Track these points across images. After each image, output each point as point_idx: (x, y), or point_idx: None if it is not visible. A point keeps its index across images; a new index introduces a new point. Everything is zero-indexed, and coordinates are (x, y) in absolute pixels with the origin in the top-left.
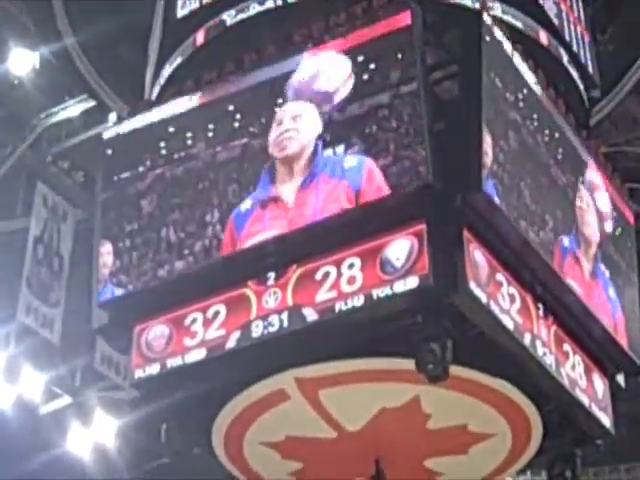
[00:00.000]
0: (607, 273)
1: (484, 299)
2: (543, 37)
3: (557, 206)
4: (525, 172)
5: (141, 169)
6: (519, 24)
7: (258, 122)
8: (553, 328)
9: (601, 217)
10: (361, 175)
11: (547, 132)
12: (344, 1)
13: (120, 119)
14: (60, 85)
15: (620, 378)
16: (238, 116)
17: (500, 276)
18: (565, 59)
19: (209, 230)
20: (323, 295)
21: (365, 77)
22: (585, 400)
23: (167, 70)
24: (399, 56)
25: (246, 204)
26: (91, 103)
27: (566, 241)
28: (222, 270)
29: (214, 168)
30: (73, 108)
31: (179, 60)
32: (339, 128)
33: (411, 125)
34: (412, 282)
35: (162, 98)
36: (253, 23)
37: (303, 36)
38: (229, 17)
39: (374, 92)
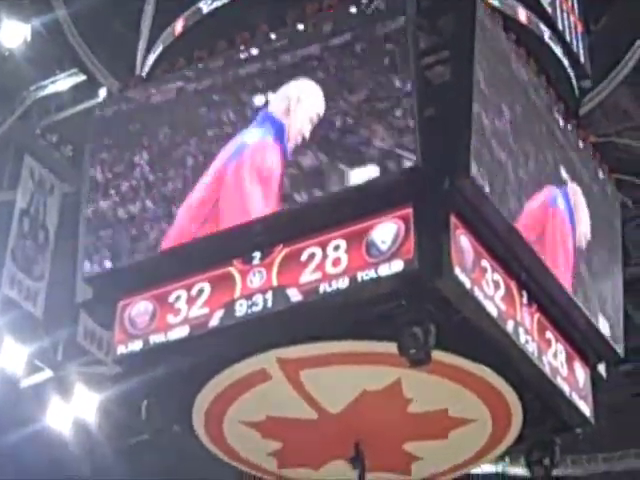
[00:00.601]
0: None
1: (468, 285)
2: (534, 25)
3: None
4: (513, 155)
5: None
6: (511, 12)
7: None
8: (536, 316)
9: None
10: None
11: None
12: None
13: (110, 95)
14: (51, 58)
15: (601, 368)
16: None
17: (485, 262)
18: (557, 48)
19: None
20: (308, 276)
21: None
22: (566, 388)
23: (159, 46)
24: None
25: None
26: (81, 77)
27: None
28: (208, 247)
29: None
30: (63, 82)
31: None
32: None
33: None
34: (397, 266)
35: (153, 74)
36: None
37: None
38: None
39: None
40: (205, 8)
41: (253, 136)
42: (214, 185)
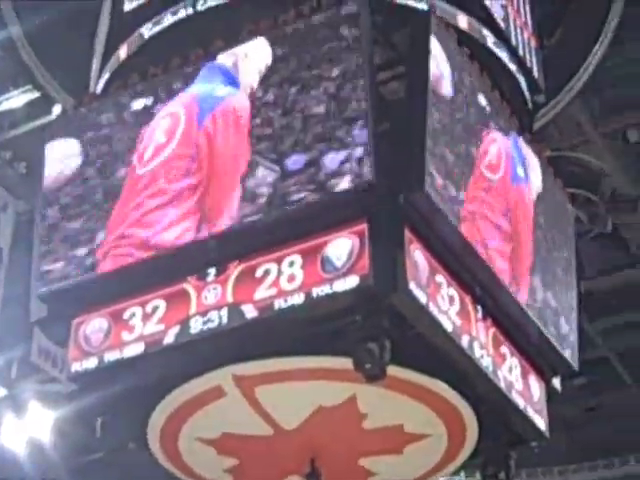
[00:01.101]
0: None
1: (424, 300)
2: (488, 39)
3: None
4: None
5: None
6: (465, 26)
7: None
8: (491, 330)
9: None
10: None
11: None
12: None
13: (64, 112)
14: (4, 75)
15: (556, 381)
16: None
17: (440, 277)
18: (511, 63)
19: None
20: (263, 292)
21: None
22: (521, 403)
23: (113, 63)
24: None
25: None
26: (35, 94)
27: None
28: (162, 264)
29: None
30: (17, 98)
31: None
32: None
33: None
34: (352, 281)
35: (107, 91)
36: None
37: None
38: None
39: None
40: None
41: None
42: None
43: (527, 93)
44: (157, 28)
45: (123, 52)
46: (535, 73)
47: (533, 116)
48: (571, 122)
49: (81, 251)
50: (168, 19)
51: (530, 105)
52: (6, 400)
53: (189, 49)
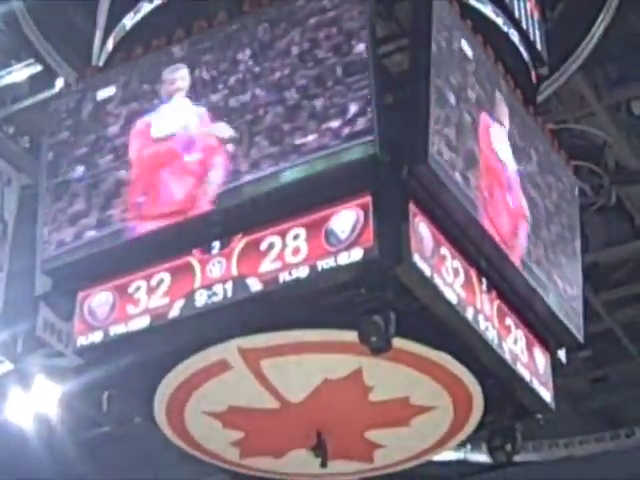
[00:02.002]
0: None
1: (428, 272)
2: (492, 13)
3: None
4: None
5: None
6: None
7: None
8: (496, 302)
9: None
10: None
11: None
12: None
13: (67, 85)
14: (6, 49)
15: (561, 354)
16: None
17: (444, 250)
18: (514, 36)
19: None
20: (267, 265)
21: None
22: (526, 375)
23: (116, 35)
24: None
25: None
26: (38, 68)
27: None
28: (167, 237)
29: None
30: (19, 73)
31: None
32: None
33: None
34: (356, 254)
35: (110, 64)
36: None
37: None
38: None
39: None
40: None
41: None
42: None
43: (530, 66)
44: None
45: (127, 24)
46: (538, 45)
47: (536, 89)
48: (574, 94)
49: (86, 225)
50: None
51: (533, 78)
52: (12, 375)
53: (194, 19)
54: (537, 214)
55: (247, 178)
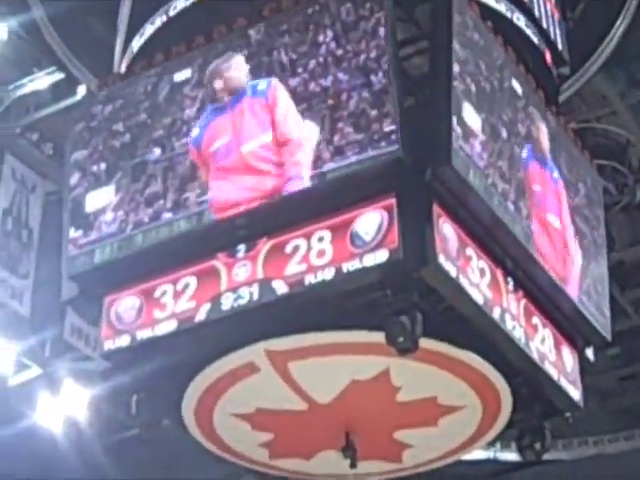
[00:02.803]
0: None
1: (453, 273)
2: (511, 13)
3: None
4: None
5: None
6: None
7: None
8: (523, 302)
9: None
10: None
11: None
12: None
13: (89, 92)
14: (29, 57)
15: (589, 352)
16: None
17: (470, 250)
18: (535, 36)
19: None
20: (293, 268)
21: None
22: (554, 373)
23: (136, 42)
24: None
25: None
26: (60, 75)
27: None
28: (192, 242)
29: None
30: (41, 80)
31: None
32: None
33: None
34: (382, 256)
35: (131, 71)
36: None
37: None
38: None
39: None
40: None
41: None
42: None
43: (552, 66)
44: (181, 5)
45: (147, 31)
46: (559, 45)
47: (558, 89)
48: (596, 94)
49: (111, 229)
50: None
51: (555, 78)
52: (41, 379)
53: (213, 26)
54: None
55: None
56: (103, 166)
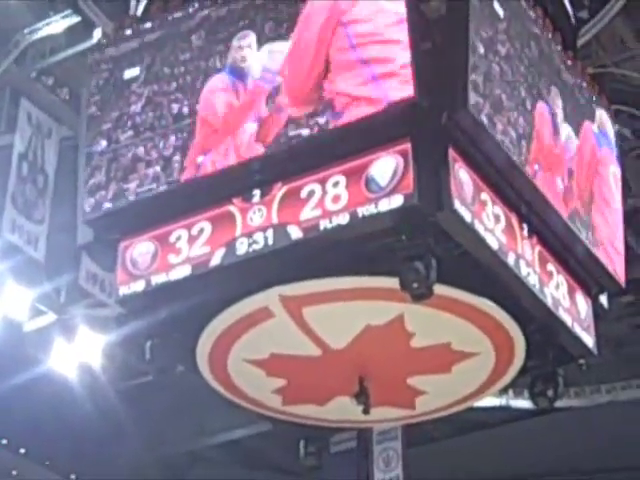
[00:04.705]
0: None
1: (468, 218)
2: None
3: None
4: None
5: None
6: None
7: None
8: (537, 248)
9: None
10: None
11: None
12: None
13: (105, 36)
14: (43, 0)
15: (603, 299)
16: None
17: (485, 195)
18: None
19: None
20: (308, 213)
21: None
22: (568, 320)
23: None
24: None
25: None
26: (76, 19)
27: None
28: (206, 186)
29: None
30: (57, 24)
31: None
32: None
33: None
34: (397, 201)
35: (148, 14)
36: None
37: None
38: None
39: None
40: None
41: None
42: None
43: (570, 9)
44: None
45: None
46: None
47: (576, 33)
48: (614, 38)
49: (127, 174)
50: None
51: (573, 21)
52: (56, 325)
53: None
54: None
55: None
56: None
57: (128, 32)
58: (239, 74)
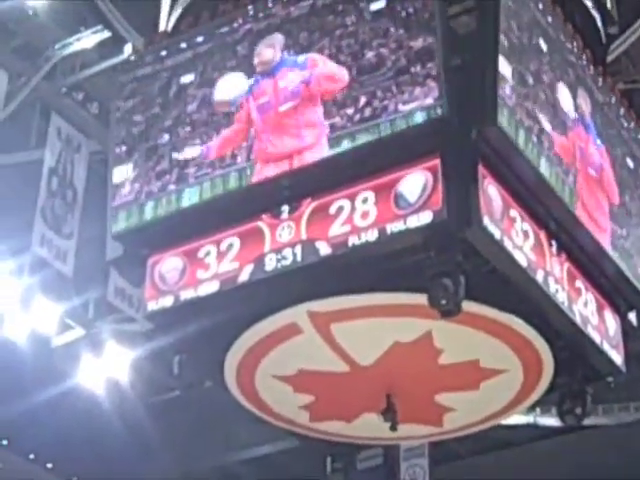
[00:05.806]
0: None
1: (497, 235)
2: None
3: None
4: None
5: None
6: None
7: None
8: (566, 265)
9: None
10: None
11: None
12: None
13: (135, 51)
14: (75, 16)
15: (632, 316)
16: None
17: (514, 212)
18: None
19: None
20: (337, 229)
21: None
22: (597, 337)
23: (183, 1)
24: None
25: None
26: (106, 34)
27: None
28: (236, 202)
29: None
30: (88, 39)
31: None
32: None
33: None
34: (426, 217)
35: (178, 29)
36: None
37: None
38: None
39: None
40: None
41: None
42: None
43: (600, 25)
44: None
45: None
46: (608, 4)
47: (606, 48)
48: None
49: (154, 188)
50: None
51: (603, 37)
52: (84, 340)
53: None
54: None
55: None
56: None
57: (183, 45)
58: None
